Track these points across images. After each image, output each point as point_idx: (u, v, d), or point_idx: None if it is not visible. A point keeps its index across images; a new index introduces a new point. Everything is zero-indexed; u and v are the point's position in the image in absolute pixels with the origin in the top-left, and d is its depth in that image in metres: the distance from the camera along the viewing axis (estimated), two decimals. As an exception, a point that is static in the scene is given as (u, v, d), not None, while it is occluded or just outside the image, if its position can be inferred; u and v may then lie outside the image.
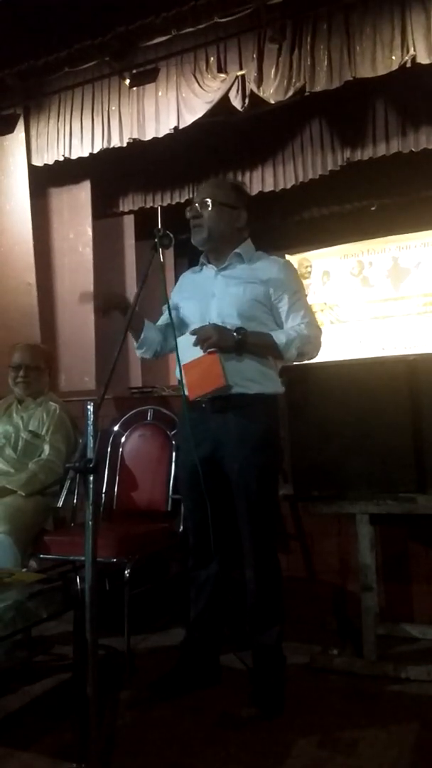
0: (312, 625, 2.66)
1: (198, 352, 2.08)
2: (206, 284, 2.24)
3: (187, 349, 2.10)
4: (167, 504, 2.82)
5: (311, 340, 2.16)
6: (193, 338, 2.08)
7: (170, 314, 2.15)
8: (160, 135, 3.79)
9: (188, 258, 4.61)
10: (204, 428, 2.14)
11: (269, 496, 2.17)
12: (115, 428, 3.11)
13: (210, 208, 2.19)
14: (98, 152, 4.02)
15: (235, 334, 2.06)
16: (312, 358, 2.23)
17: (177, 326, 2.17)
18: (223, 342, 2.05)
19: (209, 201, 2.20)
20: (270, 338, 2.12)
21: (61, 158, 4.14)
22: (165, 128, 3.77)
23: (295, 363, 2.26)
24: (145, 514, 2.87)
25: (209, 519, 2.09)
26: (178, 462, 2.69)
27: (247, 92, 3.52)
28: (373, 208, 5.42)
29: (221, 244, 2.23)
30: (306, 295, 2.33)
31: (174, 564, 2.94)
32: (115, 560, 2.38)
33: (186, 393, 2.11)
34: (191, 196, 4.51)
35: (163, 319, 2.35)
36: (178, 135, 3.79)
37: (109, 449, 3.05)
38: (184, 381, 2.11)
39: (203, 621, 2.24)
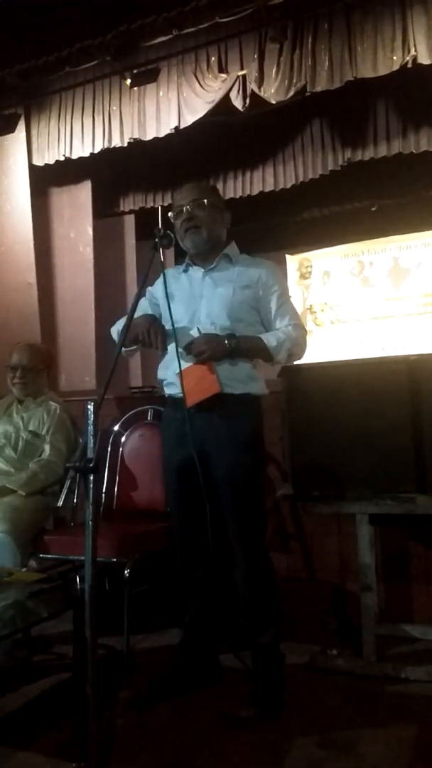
0: (311, 625, 2.66)
1: (190, 359, 2.10)
2: (194, 285, 2.23)
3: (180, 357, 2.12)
4: (167, 504, 2.82)
5: (299, 341, 2.18)
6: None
7: (171, 319, 2.12)
8: (161, 135, 3.79)
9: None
10: (189, 427, 2.11)
11: (256, 495, 2.18)
12: (116, 428, 3.11)
13: (205, 209, 2.18)
14: (99, 152, 4.01)
15: (226, 342, 2.07)
16: (300, 359, 2.24)
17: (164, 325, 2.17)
18: (216, 354, 2.06)
19: (205, 201, 2.19)
20: (261, 341, 2.13)
21: (62, 158, 4.13)
22: (166, 128, 3.76)
23: (295, 363, 2.26)
24: (145, 514, 2.87)
25: (207, 518, 2.07)
26: (162, 463, 2.46)
27: (248, 92, 3.51)
28: (373, 209, 5.41)
29: (214, 246, 2.23)
30: (291, 297, 2.34)
31: (173, 563, 2.93)
32: (114, 560, 2.39)
33: (180, 397, 2.12)
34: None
35: (143, 309, 2.27)
36: (178, 135, 3.78)
37: (109, 449, 3.05)
38: (181, 388, 2.11)
39: (198, 622, 2.24)
